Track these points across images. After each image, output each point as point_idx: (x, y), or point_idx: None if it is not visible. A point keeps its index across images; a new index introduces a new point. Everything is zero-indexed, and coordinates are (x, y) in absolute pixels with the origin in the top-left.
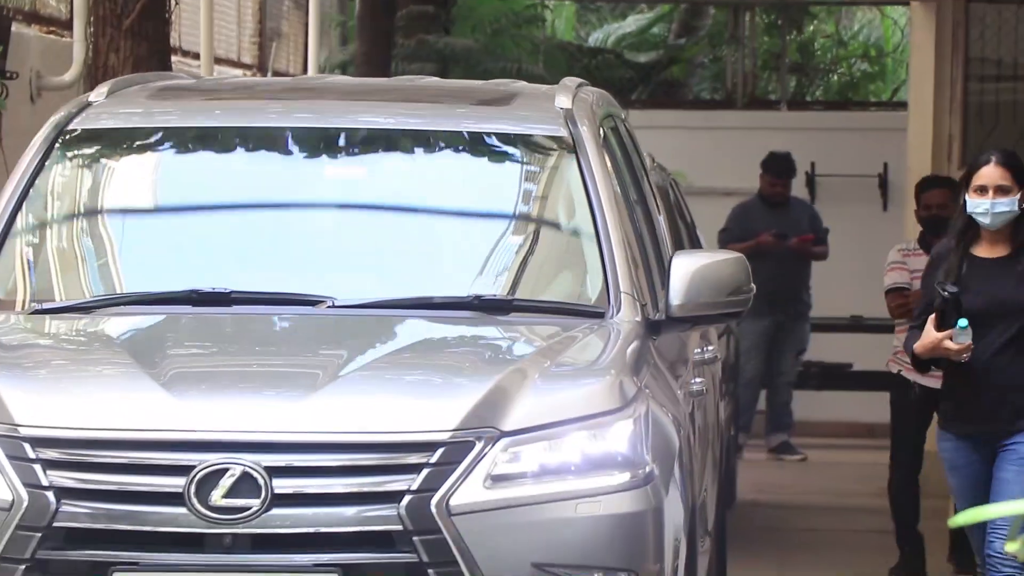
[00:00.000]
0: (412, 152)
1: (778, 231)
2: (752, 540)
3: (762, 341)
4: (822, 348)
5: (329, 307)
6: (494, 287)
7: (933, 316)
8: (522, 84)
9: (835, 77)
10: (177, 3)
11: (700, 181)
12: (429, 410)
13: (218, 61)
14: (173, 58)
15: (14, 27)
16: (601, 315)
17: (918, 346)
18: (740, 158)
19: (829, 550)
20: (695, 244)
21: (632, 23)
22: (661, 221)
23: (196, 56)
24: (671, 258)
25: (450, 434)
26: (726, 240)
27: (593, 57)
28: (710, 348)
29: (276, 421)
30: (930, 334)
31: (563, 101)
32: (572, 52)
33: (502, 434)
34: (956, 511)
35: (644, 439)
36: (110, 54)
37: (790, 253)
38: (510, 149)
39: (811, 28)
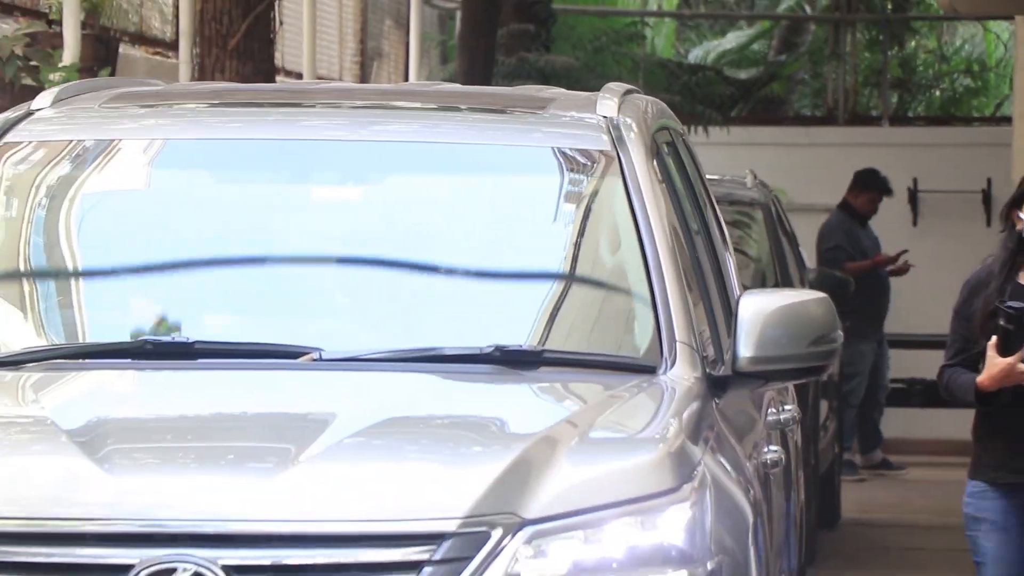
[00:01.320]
0: (417, 171)
1: (900, 251)
2: (858, 559)
3: (867, 364)
4: (925, 365)
5: (315, 360)
6: (519, 336)
7: (994, 341)
8: (560, 90)
9: (937, 92)
10: (281, 24)
11: (800, 198)
12: (433, 492)
13: (320, 80)
14: (276, 78)
15: (121, 49)
16: (652, 370)
17: (984, 378)
18: (841, 175)
19: (937, 570)
20: (799, 261)
21: (732, 40)
22: (729, 257)
23: (299, 76)
24: (738, 298)
25: (459, 522)
26: (842, 258)
27: (693, 74)
28: (787, 407)
29: (237, 507)
30: (996, 362)
31: (607, 108)
32: (672, 69)
33: (525, 522)
34: None
35: (705, 528)
36: (216, 74)
37: (886, 273)
38: (538, 166)
39: (913, 43)
